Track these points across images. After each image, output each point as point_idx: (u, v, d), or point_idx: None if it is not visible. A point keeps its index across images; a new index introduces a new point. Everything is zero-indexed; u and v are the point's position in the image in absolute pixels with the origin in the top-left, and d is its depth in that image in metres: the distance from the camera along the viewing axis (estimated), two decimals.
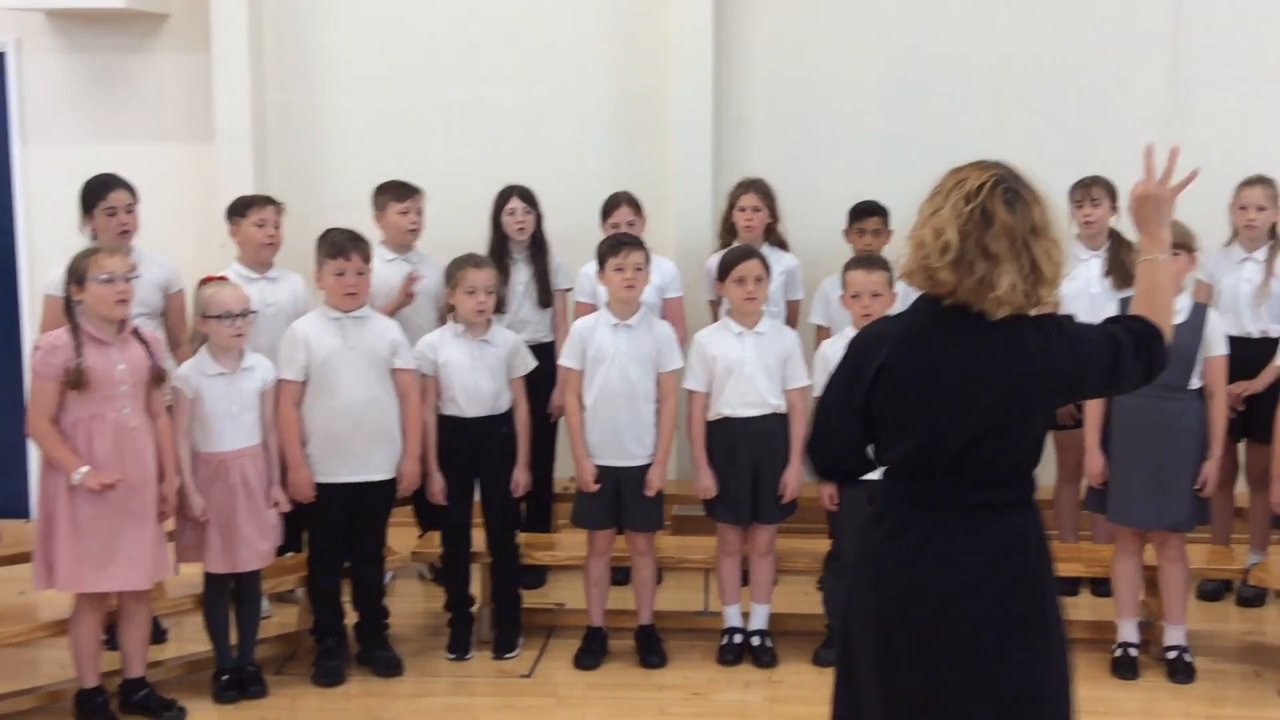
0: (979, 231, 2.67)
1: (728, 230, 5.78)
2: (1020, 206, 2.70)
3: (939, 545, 2.74)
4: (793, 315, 5.75)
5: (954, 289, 2.71)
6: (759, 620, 4.99)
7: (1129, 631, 4.88)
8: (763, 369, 4.85)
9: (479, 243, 5.53)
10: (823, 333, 5.61)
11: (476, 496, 5.02)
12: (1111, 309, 4.80)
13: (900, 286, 4.53)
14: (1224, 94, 6.21)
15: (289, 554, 5.10)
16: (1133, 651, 4.85)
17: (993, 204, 2.69)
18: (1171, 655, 4.82)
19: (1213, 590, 5.55)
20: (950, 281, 2.70)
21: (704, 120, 6.31)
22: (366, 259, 4.78)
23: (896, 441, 2.80)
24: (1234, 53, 6.20)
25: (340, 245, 4.71)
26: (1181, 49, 6.23)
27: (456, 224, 5.62)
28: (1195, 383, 4.73)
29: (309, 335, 4.72)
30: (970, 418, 2.71)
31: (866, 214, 5.69)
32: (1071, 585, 5.55)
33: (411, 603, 5.58)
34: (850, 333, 4.31)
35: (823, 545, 5.06)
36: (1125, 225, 5.24)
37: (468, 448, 4.93)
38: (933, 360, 2.75)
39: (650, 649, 4.98)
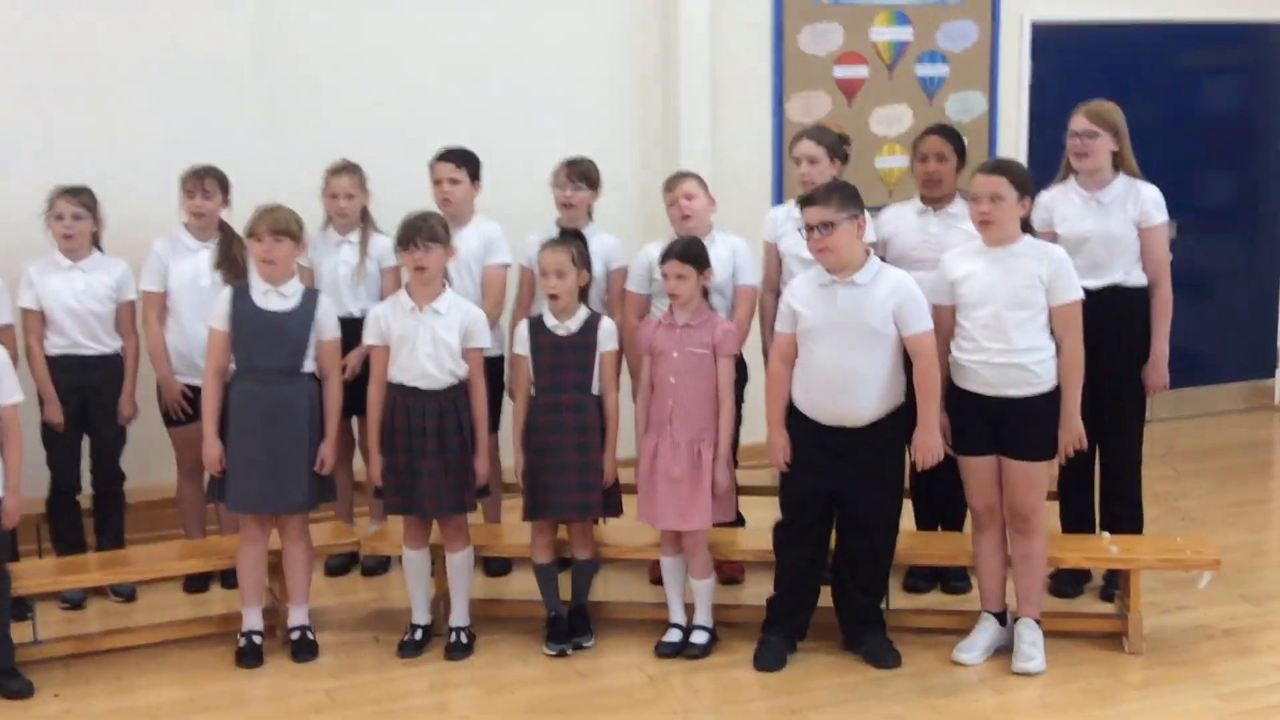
0: None
1: None
2: None
3: None
4: None
5: None
6: None
7: (254, 619, 4.86)
8: None
9: None
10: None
11: None
12: (224, 301, 4.74)
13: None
14: (310, 87, 6.22)
15: None
16: (257, 639, 4.84)
17: None
18: (295, 635, 4.88)
19: (339, 565, 5.70)
20: None
21: None
22: None
23: None
24: (314, 47, 6.27)
25: None
26: (267, 45, 6.25)
27: None
28: (309, 366, 4.82)
29: None
30: None
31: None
32: (203, 581, 5.45)
33: None
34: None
35: None
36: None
37: None
38: None
39: None
